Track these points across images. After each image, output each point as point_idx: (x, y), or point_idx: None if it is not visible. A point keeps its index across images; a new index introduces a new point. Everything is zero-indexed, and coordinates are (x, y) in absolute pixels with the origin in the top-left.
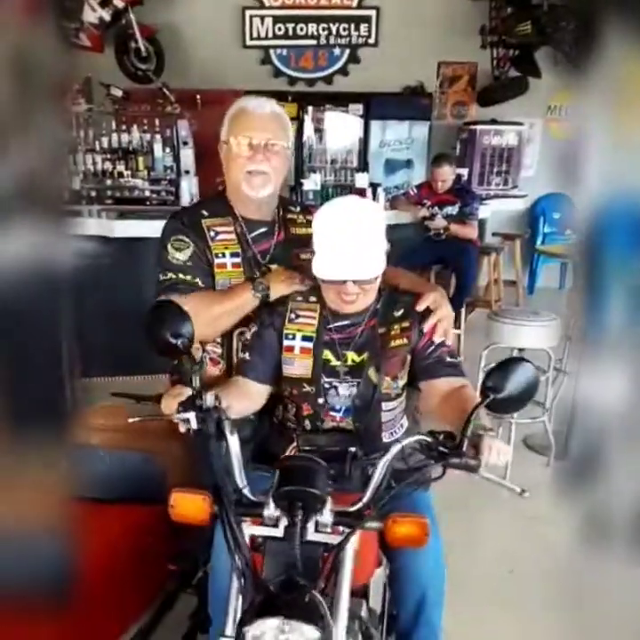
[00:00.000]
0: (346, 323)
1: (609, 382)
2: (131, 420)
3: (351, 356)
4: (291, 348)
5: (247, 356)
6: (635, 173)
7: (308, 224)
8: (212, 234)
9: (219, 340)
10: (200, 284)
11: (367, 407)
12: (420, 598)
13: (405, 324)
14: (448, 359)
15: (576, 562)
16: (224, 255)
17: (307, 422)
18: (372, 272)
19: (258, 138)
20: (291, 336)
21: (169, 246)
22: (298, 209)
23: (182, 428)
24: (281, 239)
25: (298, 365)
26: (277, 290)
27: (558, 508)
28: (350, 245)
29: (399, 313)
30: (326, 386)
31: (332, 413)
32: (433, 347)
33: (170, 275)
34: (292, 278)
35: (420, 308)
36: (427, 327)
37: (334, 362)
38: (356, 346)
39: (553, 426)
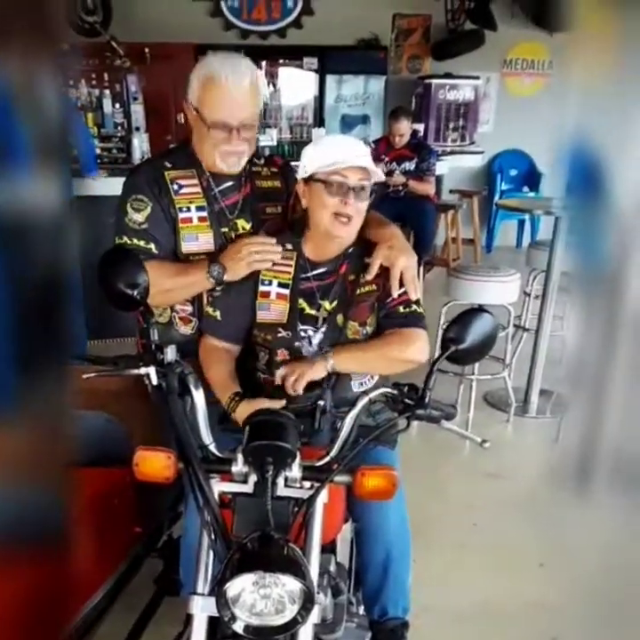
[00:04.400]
0: (323, 270)
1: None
2: (85, 377)
3: (325, 305)
4: (267, 294)
5: (218, 315)
6: (587, 122)
7: (274, 176)
8: (176, 187)
9: (188, 297)
10: (154, 249)
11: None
12: (386, 556)
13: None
14: (401, 310)
15: (538, 512)
16: (189, 209)
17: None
18: (374, 170)
19: (235, 120)
20: (267, 282)
21: (128, 206)
22: (262, 161)
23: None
24: (248, 192)
25: (274, 310)
26: (235, 271)
27: (518, 462)
28: (352, 144)
29: (369, 260)
30: (301, 334)
31: None
32: (389, 298)
33: (125, 239)
34: (250, 256)
35: (370, 276)
36: (394, 292)
37: (309, 310)
38: (330, 294)
39: (512, 383)
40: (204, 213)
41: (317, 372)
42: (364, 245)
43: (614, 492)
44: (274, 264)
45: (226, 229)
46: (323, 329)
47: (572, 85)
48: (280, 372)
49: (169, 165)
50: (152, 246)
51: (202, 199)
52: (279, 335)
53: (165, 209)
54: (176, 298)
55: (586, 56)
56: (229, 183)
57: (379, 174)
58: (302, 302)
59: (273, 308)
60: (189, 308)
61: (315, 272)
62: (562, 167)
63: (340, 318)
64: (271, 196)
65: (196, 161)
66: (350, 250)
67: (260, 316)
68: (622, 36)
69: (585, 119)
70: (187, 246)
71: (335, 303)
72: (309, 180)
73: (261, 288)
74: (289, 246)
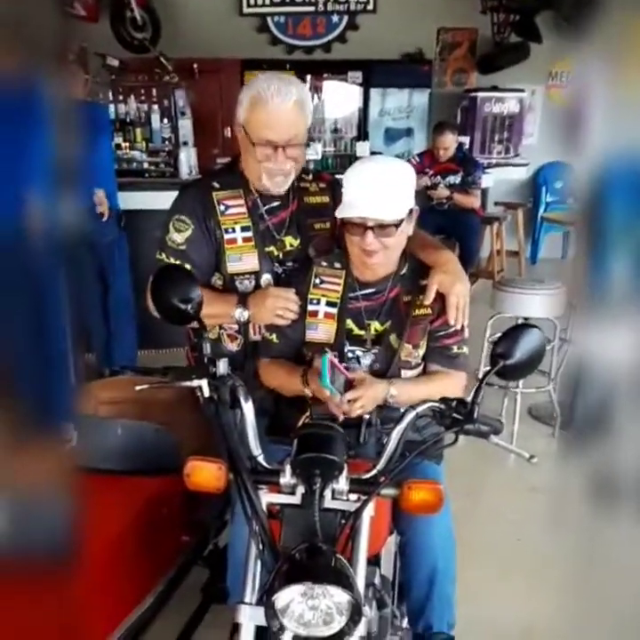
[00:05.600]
0: (371, 290)
1: (613, 346)
2: (138, 388)
3: (374, 325)
4: (315, 313)
5: (274, 337)
6: (636, 133)
7: (322, 192)
8: (223, 208)
9: (214, 325)
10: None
11: (385, 373)
12: (431, 570)
13: None
14: (454, 350)
15: (582, 528)
16: (234, 230)
17: None
18: (390, 214)
19: (280, 139)
20: (315, 301)
21: (171, 225)
22: (310, 177)
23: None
24: (295, 209)
25: (321, 330)
26: (258, 319)
27: (563, 476)
28: (373, 187)
29: (425, 282)
30: (349, 355)
31: None
32: (444, 332)
33: (163, 255)
34: (274, 310)
35: (428, 300)
36: (452, 319)
37: (357, 331)
38: (380, 315)
39: (558, 396)
40: (249, 234)
41: (378, 399)
42: (418, 267)
43: None
44: (322, 282)
45: (273, 248)
46: (374, 350)
47: (616, 93)
48: (349, 396)
49: (217, 186)
50: (188, 267)
51: (247, 219)
52: None
53: (210, 230)
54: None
55: (627, 68)
56: (277, 202)
57: (401, 213)
58: (350, 322)
59: (320, 328)
60: (236, 326)
61: (363, 292)
62: (606, 181)
63: (393, 339)
64: (319, 212)
65: (244, 181)
66: (403, 271)
67: (308, 334)
68: None
69: (632, 127)
70: (231, 266)
71: (388, 324)
72: None
73: (310, 307)
74: (337, 265)
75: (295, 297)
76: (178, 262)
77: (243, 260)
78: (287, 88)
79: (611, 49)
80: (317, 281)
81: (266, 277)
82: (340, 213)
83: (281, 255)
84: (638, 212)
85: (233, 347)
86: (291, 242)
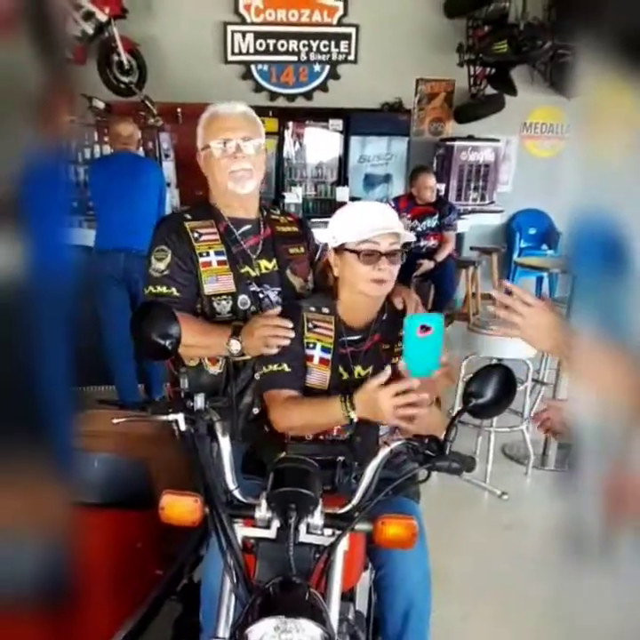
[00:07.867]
0: (357, 337)
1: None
2: (115, 421)
3: (358, 370)
4: (311, 358)
5: (286, 367)
6: (604, 194)
7: (291, 224)
8: (196, 235)
9: (206, 356)
10: (175, 292)
11: (368, 421)
12: (406, 606)
13: None
14: None
15: (551, 567)
16: (208, 254)
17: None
18: (403, 231)
19: (234, 136)
20: (311, 345)
21: (152, 257)
22: (279, 212)
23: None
24: (268, 235)
25: (316, 375)
26: (250, 349)
27: (535, 515)
28: (378, 211)
29: (402, 332)
30: None
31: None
32: None
33: (150, 288)
34: (264, 339)
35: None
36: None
37: (346, 376)
38: (363, 360)
39: (531, 435)
40: (223, 257)
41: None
42: (393, 314)
43: (635, 559)
44: (315, 326)
45: (248, 268)
46: None
47: (587, 154)
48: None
49: (189, 217)
50: (173, 290)
51: (220, 245)
52: None
53: (187, 254)
54: (194, 354)
55: (600, 124)
56: (248, 226)
57: (409, 236)
58: (340, 367)
59: (315, 373)
60: None
61: (350, 338)
62: (575, 237)
63: None
64: (292, 239)
65: (214, 212)
66: (384, 316)
67: (305, 378)
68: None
69: (600, 189)
70: (208, 287)
71: (370, 369)
72: (340, 249)
73: (306, 351)
74: (325, 310)
75: (283, 321)
76: (163, 289)
77: (219, 281)
78: (233, 104)
79: (583, 108)
80: (310, 325)
81: (243, 298)
82: (360, 237)
83: (259, 274)
84: (600, 273)
85: (215, 369)
86: (265, 265)
